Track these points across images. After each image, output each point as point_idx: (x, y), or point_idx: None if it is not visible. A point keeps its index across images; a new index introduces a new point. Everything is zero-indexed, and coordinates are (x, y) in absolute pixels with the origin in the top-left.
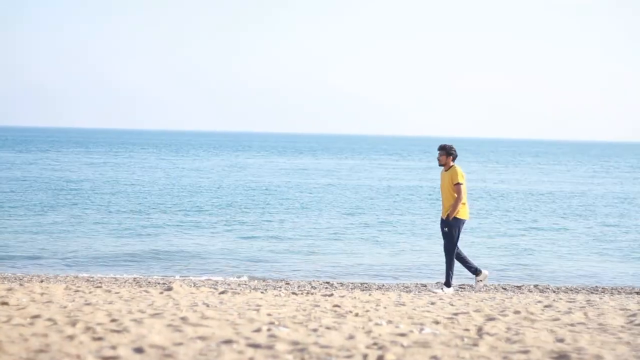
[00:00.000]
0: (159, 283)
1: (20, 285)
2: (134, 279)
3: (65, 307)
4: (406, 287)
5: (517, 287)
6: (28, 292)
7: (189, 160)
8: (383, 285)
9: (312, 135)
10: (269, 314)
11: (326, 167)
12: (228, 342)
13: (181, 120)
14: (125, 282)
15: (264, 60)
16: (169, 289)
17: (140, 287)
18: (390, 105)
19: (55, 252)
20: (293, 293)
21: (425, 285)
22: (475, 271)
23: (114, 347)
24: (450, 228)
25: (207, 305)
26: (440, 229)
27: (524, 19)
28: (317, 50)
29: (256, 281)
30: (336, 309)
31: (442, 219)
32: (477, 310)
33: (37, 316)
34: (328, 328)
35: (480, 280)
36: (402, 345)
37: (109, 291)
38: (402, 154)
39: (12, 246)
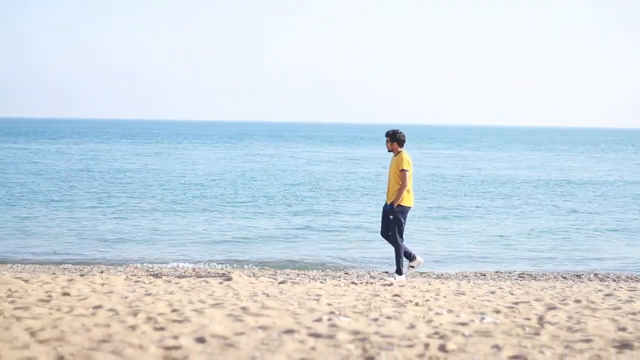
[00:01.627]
0: (218, 273)
1: (81, 276)
2: (193, 269)
3: (126, 297)
4: (465, 276)
5: (577, 275)
6: (89, 283)
7: (248, 150)
8: (442, 274)
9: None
10: (329, 304)
11: (375, 156)
12: (289, 331)
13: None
14: (184, 272)
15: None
16: (229, 279)
17: (200, 277)
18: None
19: (114, 242)
20: (352, 283)
21: (485, 275)
22: (411, 257)
23: (175, 337)
24: (395, 215)
25: (267, 295)
26: (382, 213)
27: None
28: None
29: (315, 271)
30: (396, 298)
31: (385, 204)
32: (537, 300)
33: (98, 306)
34: (389, 317)
35: (412, 267)
36: (463, 335)
37: (169, 281)
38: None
39: (71, 236)
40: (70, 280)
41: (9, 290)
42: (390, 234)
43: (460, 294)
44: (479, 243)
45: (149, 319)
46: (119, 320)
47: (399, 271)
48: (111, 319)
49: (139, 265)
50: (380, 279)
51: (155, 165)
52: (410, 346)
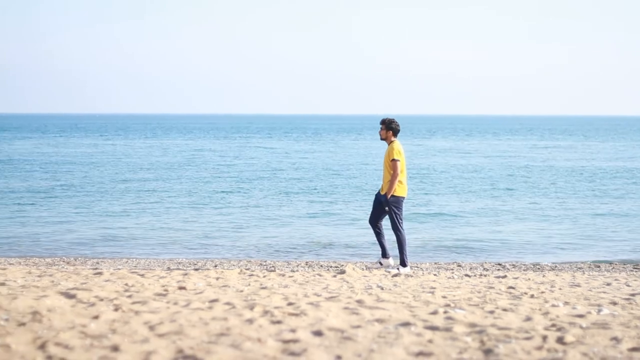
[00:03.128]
0: (331, 266)
1: (195, 270)
2: (306, 262)
3: (241, 291)
4: (579, 268)
5: None
6: (204, 277)
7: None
8: (555, 266)
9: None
10: (444, 296)
11: (473, 149)
12: (406, 324)
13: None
14: (297, 265)
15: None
16: (342, 272)
17: (313, 270)
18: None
19: (225, 236)
20: (466, 275)
21: (599, 266)
22: (384, 254)
23: (293, 330)
24: (390, 206)
25: (382, 288)
26: (374, 201)
27: None
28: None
29: (427, 263)
30: (511, 290)
31: (379, 194)
32: None
33: (215, 300)
34: (504, 310)
35: (381, 264)
36: (580, 327)
37: (283, 275)
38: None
39: (180, 231)
40: (185, 274)
41: (126, 284)
42: (391, 226)
43: (576, 285)
44: (588, 233)
45: (266, 312)
46: (236, 314)
47: (402, 263)
48: (228, 312)
49: (252, 259)
50: (497, 270)
51: (253, 158)
52: (528, 338)
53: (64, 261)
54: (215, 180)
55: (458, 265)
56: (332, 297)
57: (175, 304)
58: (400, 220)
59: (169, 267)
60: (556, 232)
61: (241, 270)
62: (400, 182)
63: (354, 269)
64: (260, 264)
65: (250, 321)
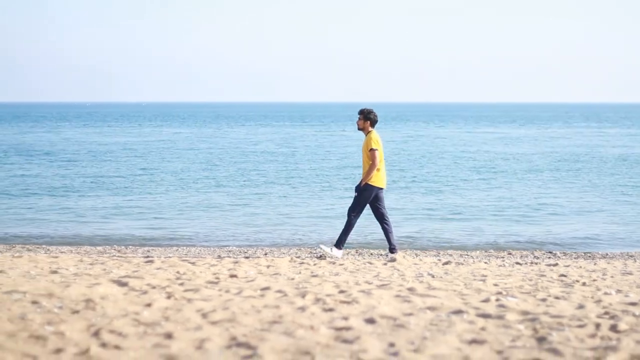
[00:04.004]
0: (381, 254)
1: (246, 258)
2: (356, 250)
3: (292, 279)
4: (630, 256)
5: None
6: (254, 265)
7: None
8: (607, 254)
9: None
10: (495, 284)
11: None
12: (458, 312)
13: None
14: (347, 253)
15: None
16: (393, 259)
17: (364, 258)
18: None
19: (275, 225)
20: (517, 263)
21: None
22: (392, 249)
23: (345, 318)
24: (360, 193)
25: (433, 276)
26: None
27: None
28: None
29: (478, 251)
30: (562, 278)
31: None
32: None
33: (266, 288)
34: (557, 298)
35: (388, 256)
36: (634, 315)
37: (334, 263)
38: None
39: (229, 219)
40: (235, 262)
41: (178, 272)
42: (348, 208)
43: (628, 273)
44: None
45: (318, 300)
46: (288, 302)
47: (338, 245)
48: (280, 300)
49: (301, 247)
50: (548, 258)
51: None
52: (581, 326)
53: (114, 249)
54: (262, 168)
55: (508, 254)
56: (383, 285)
57: (227, 291)
58: (359, 208)
59: (219, 255)
60: (607, 221)
61: (292, 258)
62: (377, 170)
63: (404, 256)
64: (310, 252)
65: (302, 309)
